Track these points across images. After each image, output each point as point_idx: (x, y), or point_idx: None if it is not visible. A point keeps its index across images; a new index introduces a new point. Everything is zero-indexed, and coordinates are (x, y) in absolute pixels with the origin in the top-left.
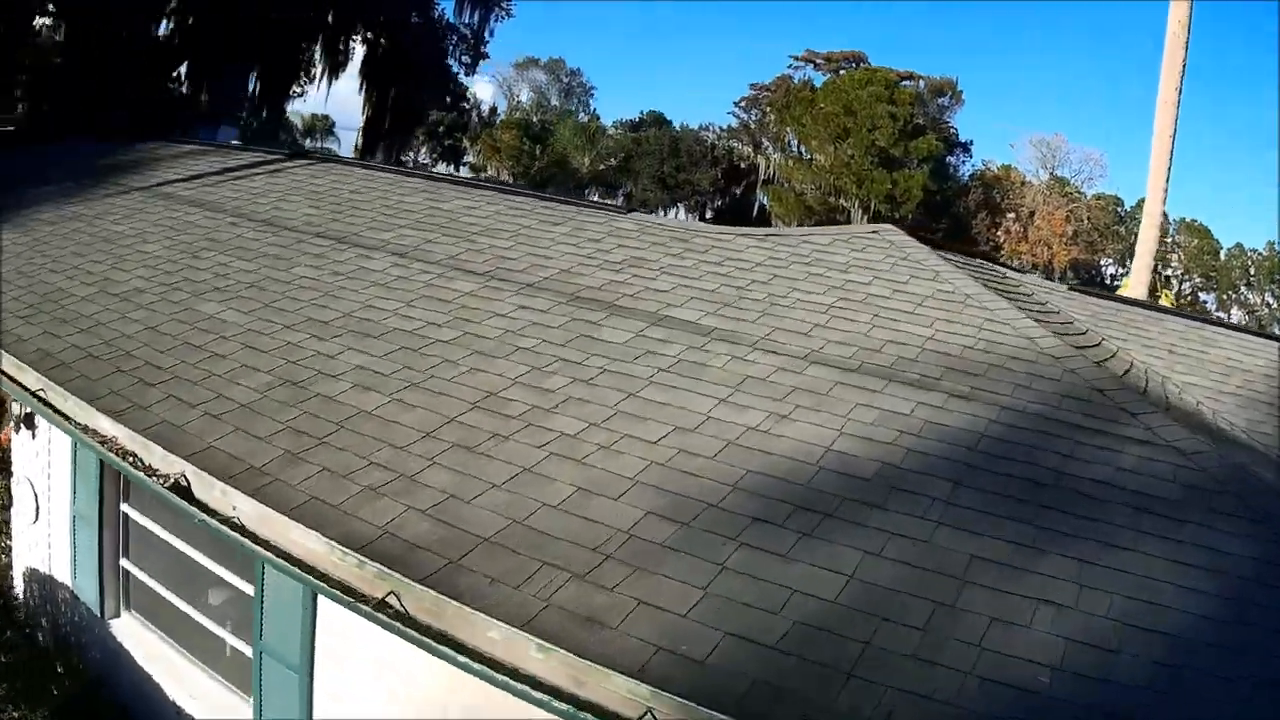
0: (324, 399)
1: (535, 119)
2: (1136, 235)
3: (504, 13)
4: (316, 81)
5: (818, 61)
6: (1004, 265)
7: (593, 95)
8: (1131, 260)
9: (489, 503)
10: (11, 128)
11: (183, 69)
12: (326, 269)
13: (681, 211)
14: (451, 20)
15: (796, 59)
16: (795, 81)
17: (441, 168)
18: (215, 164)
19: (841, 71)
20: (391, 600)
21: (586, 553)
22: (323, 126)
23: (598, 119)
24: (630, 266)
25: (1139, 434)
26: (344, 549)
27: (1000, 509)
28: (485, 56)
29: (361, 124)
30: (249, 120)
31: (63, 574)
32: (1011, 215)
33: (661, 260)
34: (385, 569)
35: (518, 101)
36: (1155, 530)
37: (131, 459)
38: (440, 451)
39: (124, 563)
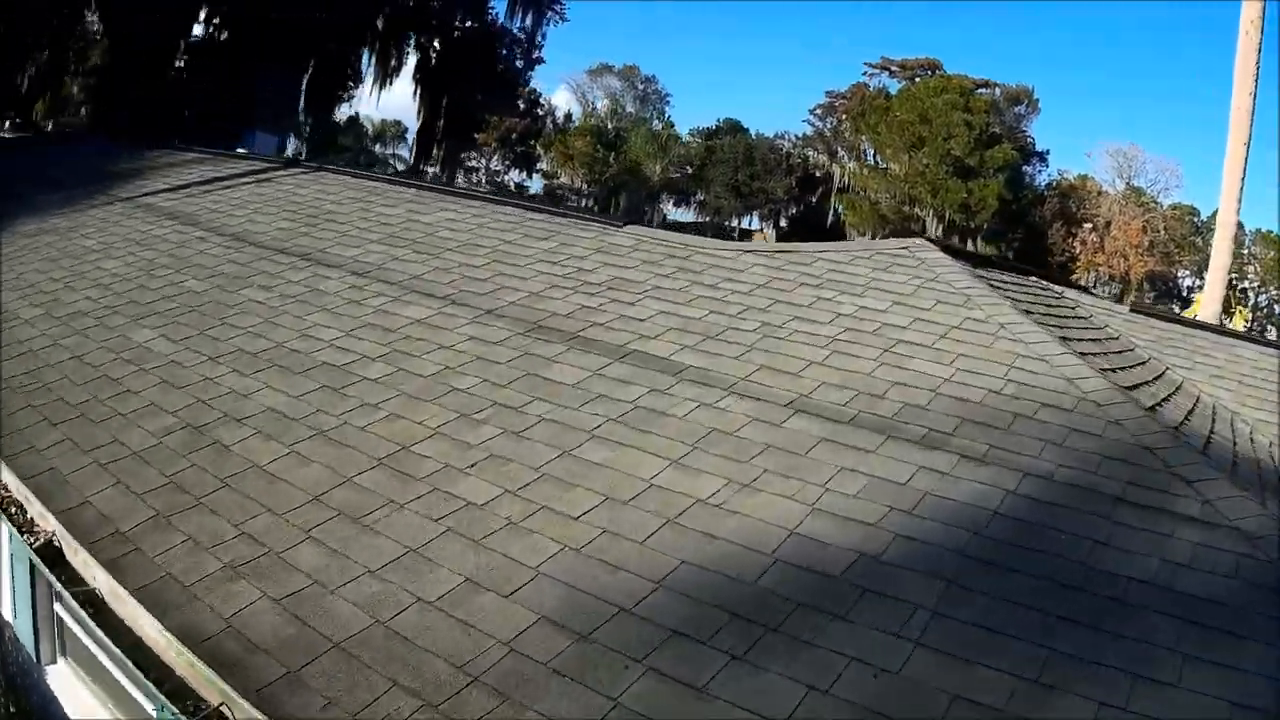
0: (219, 448)
1: (609, 126)
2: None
3: (557, 16)
4: (370, 87)
5: (893, 69)
6: (1068, 284)
7: (668, 102)
8: (1207, 273)
9: (355, 594)
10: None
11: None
12: (277, 290)
13: (755, 220)
14: (504, 24)
15: (872, 66)
16: (870, 89)
17: (514, 175)
18: (208, 173)
19: (917, 79)
20: (225, 711)
21: (450, 671)
22: (394, 132)
23: (671, 126)
24: (610, 289)
25: (1194, 510)
26: (180, 644)
27: (1005, 622)
28: (540, 61)
29: (415, 130)
30: (295, 124)
31: (8, 614)
32: (1088, 226)
33: (648, 282)
34: (216, 675)
35: (592, 108)
36: (1206, 653)
37: (15, 510)
38: (321, 522)
39: (57, 608)
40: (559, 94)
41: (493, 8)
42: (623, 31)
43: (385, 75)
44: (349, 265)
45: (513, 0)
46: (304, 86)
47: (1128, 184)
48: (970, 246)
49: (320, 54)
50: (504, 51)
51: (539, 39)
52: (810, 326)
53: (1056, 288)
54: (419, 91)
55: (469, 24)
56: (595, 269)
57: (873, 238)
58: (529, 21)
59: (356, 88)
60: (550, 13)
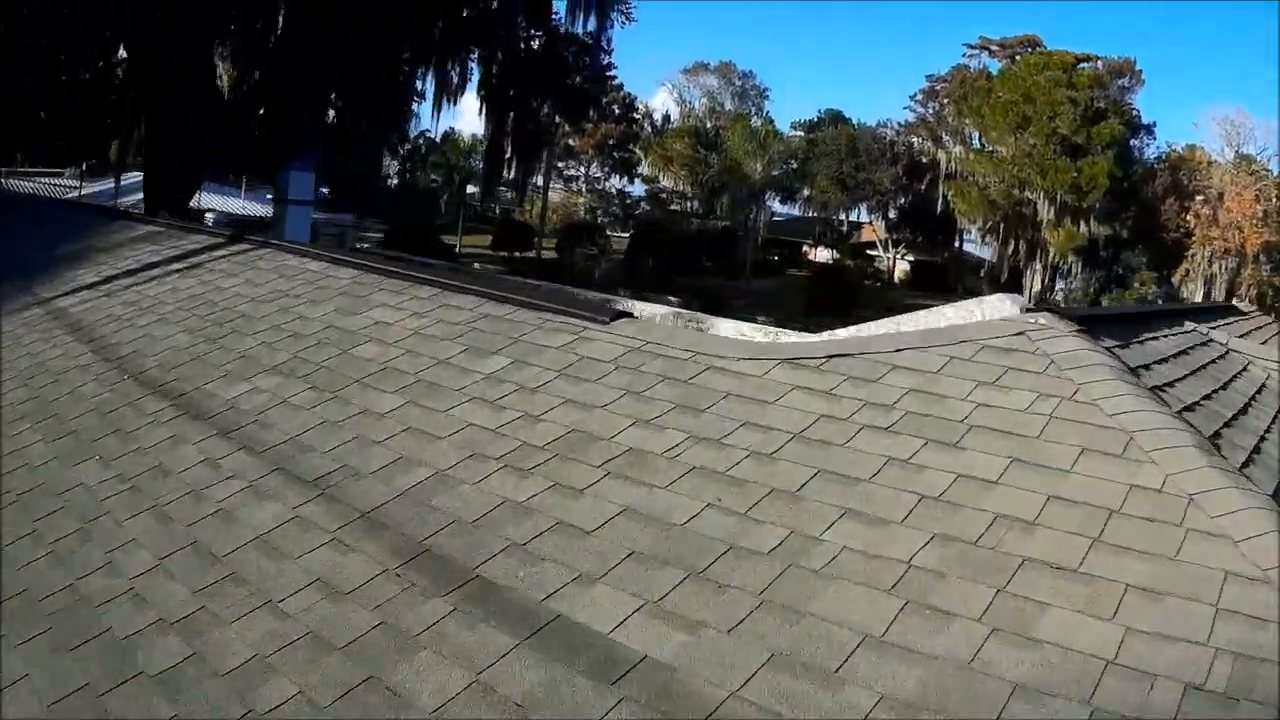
0: None
1: (708, 125)
2: None
3: (623, 17)
4: (437, 107)
5: (992, 48)
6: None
7: (767, 97)
8: None
9: None
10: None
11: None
12: (119, 466)
13: (863, 213)
14: (568, 29)
15: (971, 47)
16: (971, 71)
17: (614, 181)
18: (147, 255)
19: (1016, 58)
20: None
21: None
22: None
23: (771, 122)
24: (560, 458)
25: None
26: None
27: None
28: (610, 67)
29: (484, 150)
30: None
31: None
32: (1200, 198)
33: (622, 435)
34: None
35: (690, 109)
36: None
37: None
38: None
39: None
40: (657, 96)
41: (556, 13)
42: (721, 29)
43: (446, 94)
44: (220, 418)
45: (573, 3)
46: (339, 118)
47: (1237, 152)
48: (1084, 228)
49: (365, 79)
50: (570, 59)
51: (605, 42)
52: (876, 539)
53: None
54: (483, 109)
55: (532, 31)
56: (550, 409)
57: (984, 225)
58: (592, 25)
59: (415, 109)
60: (615, 13)
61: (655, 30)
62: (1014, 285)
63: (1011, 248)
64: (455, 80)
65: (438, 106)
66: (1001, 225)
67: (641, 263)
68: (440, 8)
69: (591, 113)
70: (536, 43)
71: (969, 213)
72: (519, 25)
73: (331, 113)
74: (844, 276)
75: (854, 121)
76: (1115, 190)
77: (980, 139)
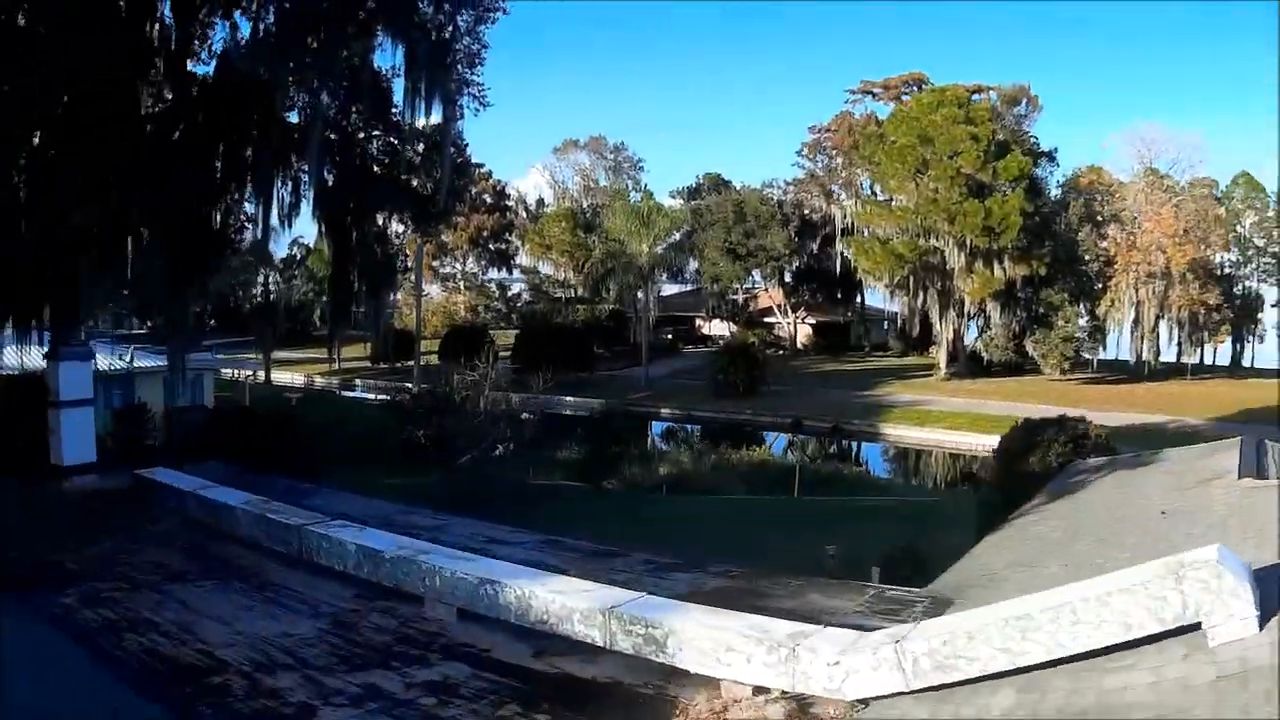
0: None
1: (585, 204)
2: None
3: (477, 102)
4: (264, 233)
5: (875, 91)
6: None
7: (641, 168)
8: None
9: None
10: None
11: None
12: None
13: (757, 279)
14: (410, 124)
15: (852, 92)
16: (857, 117)
17: (492, 274)
18: None
19: (903, 98)
20: None
21: None
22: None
23: (650, 196)
24: None
25: None
26: None
27: None
28: (466, 163)
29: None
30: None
31: None
32: (1114, 224)
33: None
34: None
35: (563, 189)
36: None
37: None
38: None
39: None
40: (529, 177)
41: (397, 106)
42: (588, 102)
43: (280, 215)
44: None
45: (411, 92)
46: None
47: (1148, 169)
48: (998, 270)
49: (172, 221)
50: (418, 159)
51: (457, 135)
52: None
53: None
54: (322, 230)
55: (372, 133)
56: None
57: (890, 281)
58: (435, 116)
59: (240, 239)
60: (466, 98)
61: (520, 108)
62: (925, 338)
63: (921, 299)
64: (288, 199)
65: (264, 232)
66: (911, 278)
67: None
68: (254, 118)
69: (455, 211)
70: (376, 144)
71: (874, 270)
72: (358, 127)
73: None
74: (748, 352)
75: (736, 185)
76: (1027, 226)
77: (875, 188)
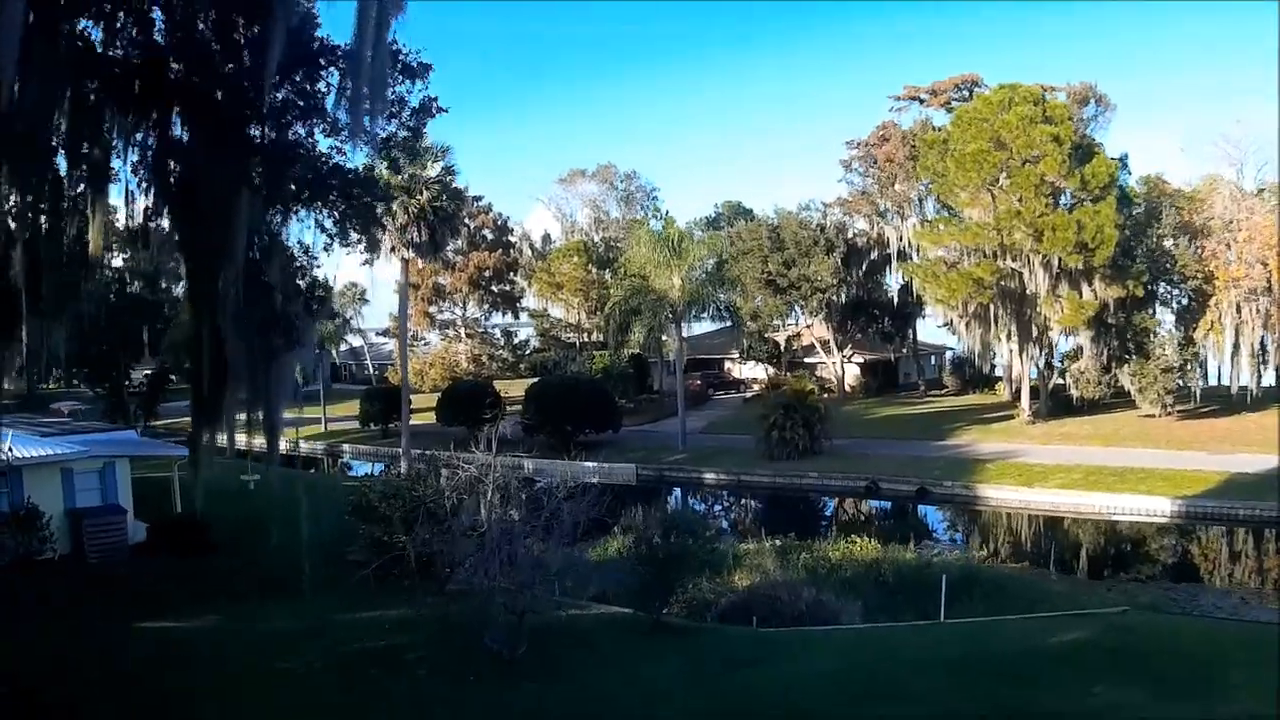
0: None
1: (597, 238)
2: None
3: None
4: None
5: (922, 96)
6: None
7: (656, 199)
8: None
9: None
10: None
11: None
12: None
13: (800, 318)
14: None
15: (897, 98)
16: (901, 127)
17: (496, 319)
18: None
19: (952, 104)
20: None
21: None
22: (353, 294)
23: (673, 222)
24: None
25: None
26: None
27: None
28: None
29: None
30: None
31: None
32: (1204, 236)
33: None
34: None
35: (571, 223)
36: None
37: None
38: None
39: None
40: (533, 215)
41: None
42: (594, 139)
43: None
44: None
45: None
46: None
47: (1238, 173)
48: (1087, 293)
49: None
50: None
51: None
52: None
53: None
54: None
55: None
56: None
57: (964, 311)
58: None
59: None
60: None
61: (520, 141)
62: (985, 374)
63: (996, 330)
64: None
65: None
66: (993, 306)
67: (542, 425)
68: None
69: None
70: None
71: (948, 298)
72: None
73: None
74: (805, 401)
75: (758, 212)
76: (1118, 240)
77: (930, 205)
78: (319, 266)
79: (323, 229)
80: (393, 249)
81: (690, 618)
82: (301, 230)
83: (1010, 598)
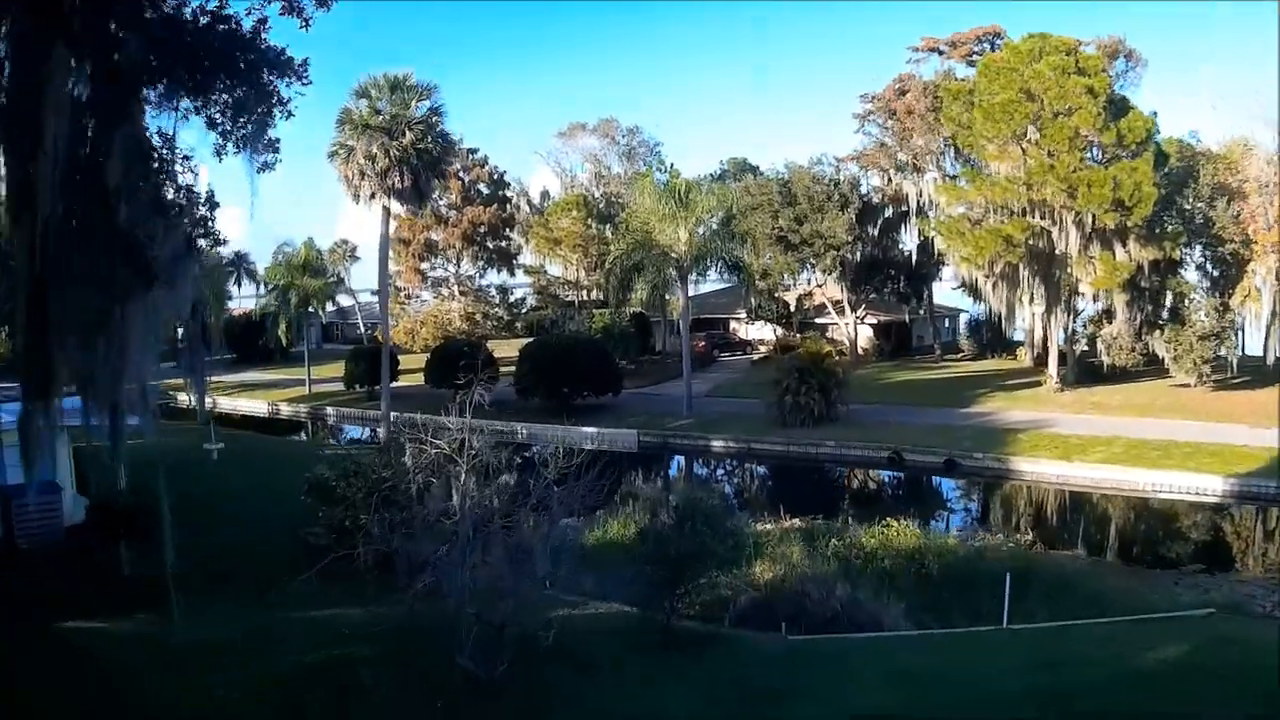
0: None
1: (597, 194)
2: None
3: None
4: None
5: (942, 48)
6: None
7: (659, 154)
8: None
9: None
10: None
11: None
12: None
13: (815, 274)
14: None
15: (915, 49)
16: (920, 79)
17: (491, 277)
18: None
19: (974, 57)
20: None
21: None
22: (344, 251)
23: (678, 174)
24: None
25: None
26: None
27: None
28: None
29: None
30: None
31: None
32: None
33: None
34: None
35: (571, 178)
36: None
37: None
38: None
39: None
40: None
41: None
42: (595, 95)
43: None
44: None
45: None
46: None
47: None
48: (1122, 253)
49: None
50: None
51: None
52: None
53: None
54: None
55: None
56: None
57: (991, 271)
58: None
59: None
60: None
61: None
62: (1003, 338)
63: (1021, 292)
64: None
65: None
66: (1021, 265)
67: (537, 387)
68: None
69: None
70: None
71: (974, 256)
72: None
73: None
74: (822, 364)
75: (760, 169)
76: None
77: (951, 160)
78: (194, 171)
79: (211, 123)
80: (372, 196)
81: (705, 618)
82: (169, 120)
83: (1072, 594)
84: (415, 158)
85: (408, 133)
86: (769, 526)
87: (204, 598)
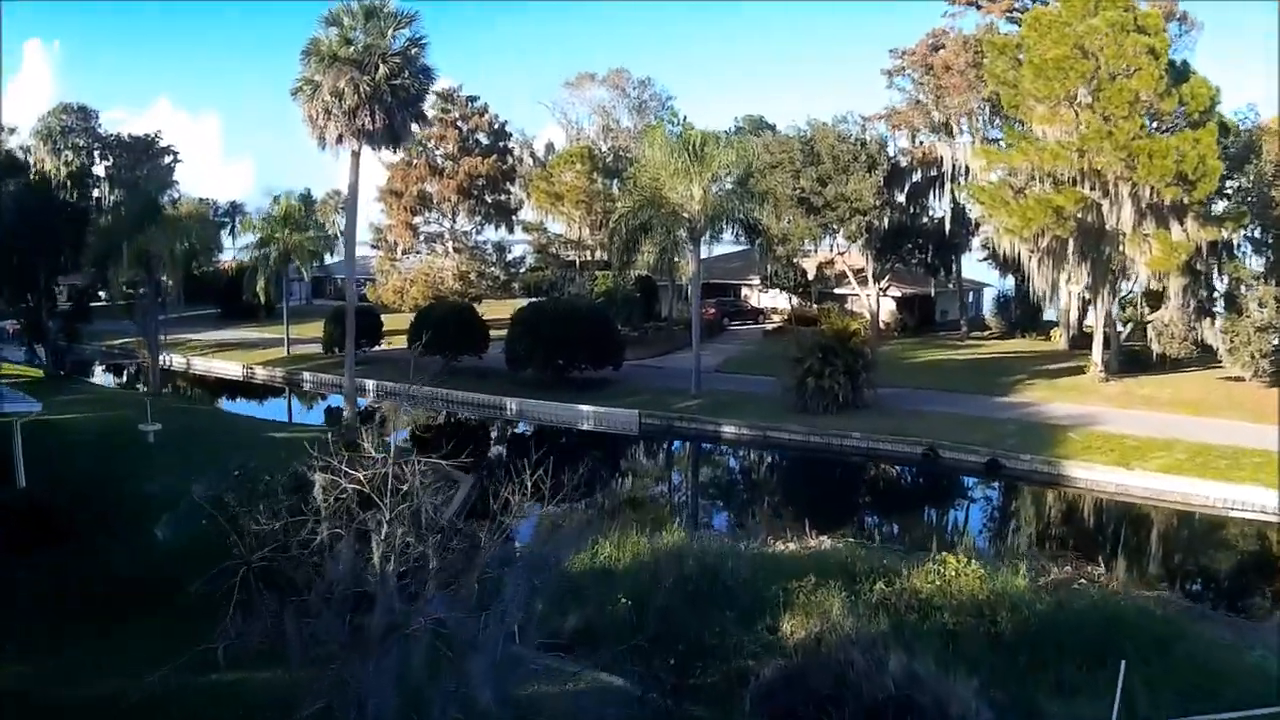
0: None
1: (605, 147)
2: None
3: None
4: None
5: (981, 2)
6: None
7: (671, 108)
8: None
9: None
10: None
11: None
12: None
13: (839, 240)
14: None
15: (952, 1)
16: (955, 34)
17: (489, 234)
18: None
19: (1015, 12)
20: None
21: None
22: (336, 203)
23: (691, 127)
24: None
25: None
26: None
27: None
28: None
29: None
30: None
31: None
32: None
33: None
34: None
35: (578, 130)
36: None
37: None
38: None
39: None
40: (545, 131)
41: None
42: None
43: None
44: None
45: None
46: None
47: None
48: (1179, 232)
49: None
50: None
51: None
52: None
53: None
54: None
55: None
56: None
57: (1037, 245)
58: None
59: None
60: None
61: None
62: (1034, 316)
63: (1066, 270)
64: None
65: None
66: (1071, 240)
67: (530, 358)
68: None
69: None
70: None
71: (1020, 229)
72: None
73: None
74: (848, 343)
75: (777, 128)
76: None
77: (986, 122)
78: None
79: None
80: (339, 139)
81: (717, 699)
82: None
83: (1177, 660)
84: (390, 94)
85: (381, 66)
86: (793, 546)
87: (93, 634)
